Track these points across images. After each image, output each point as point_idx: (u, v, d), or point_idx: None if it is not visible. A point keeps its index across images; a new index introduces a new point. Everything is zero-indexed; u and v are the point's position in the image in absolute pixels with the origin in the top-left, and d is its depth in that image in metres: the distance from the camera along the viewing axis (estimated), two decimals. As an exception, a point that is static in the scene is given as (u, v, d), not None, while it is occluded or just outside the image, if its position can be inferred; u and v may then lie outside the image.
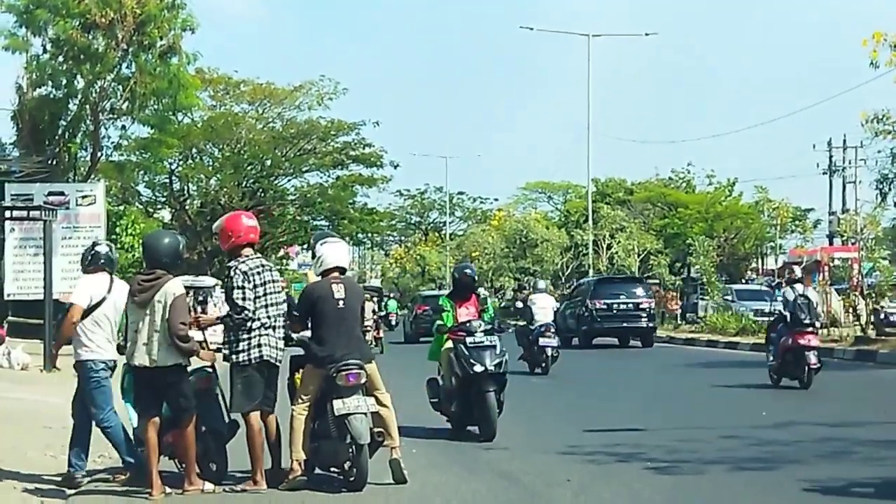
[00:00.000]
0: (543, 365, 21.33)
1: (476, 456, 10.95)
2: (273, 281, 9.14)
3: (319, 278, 9.38)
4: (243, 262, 9.06)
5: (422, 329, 34.93)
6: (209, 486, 8.91)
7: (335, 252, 9.36)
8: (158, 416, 8.80)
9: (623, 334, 32.36)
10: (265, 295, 9.00)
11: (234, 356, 8.96)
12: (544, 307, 22.43)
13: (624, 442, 11.42)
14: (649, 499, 8.76)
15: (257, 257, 9.22)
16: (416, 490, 9.11)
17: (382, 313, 42.07)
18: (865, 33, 22.67)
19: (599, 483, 9.31)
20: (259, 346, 8.94)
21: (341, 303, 9.11)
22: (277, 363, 9.13)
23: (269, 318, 9.00)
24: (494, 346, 12.16)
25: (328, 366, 8.97)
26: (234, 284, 8.93)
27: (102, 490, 9.21)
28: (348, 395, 8.89)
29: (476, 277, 13.23)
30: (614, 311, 31.38)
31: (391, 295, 65.62)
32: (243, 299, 8.89)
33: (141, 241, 9.00)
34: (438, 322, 12.52)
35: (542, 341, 21.28)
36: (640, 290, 32.34)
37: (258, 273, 9.01)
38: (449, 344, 12.33)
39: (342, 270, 9.40)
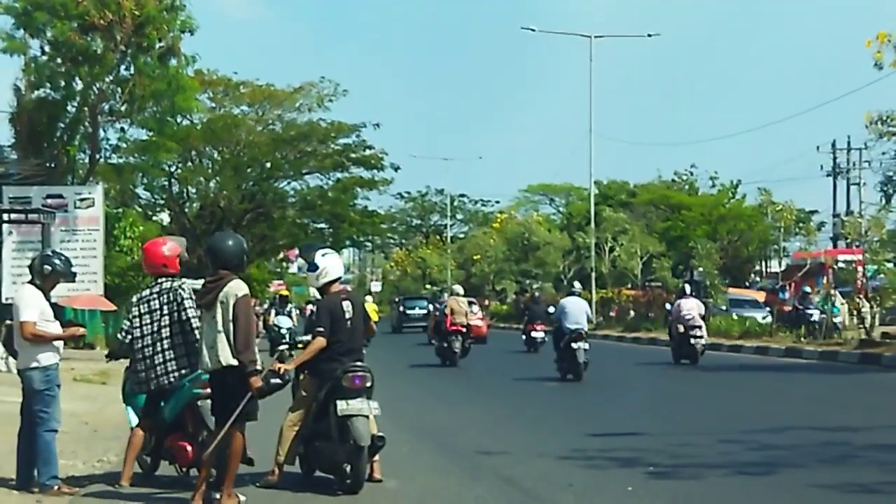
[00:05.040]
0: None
1: (478, 460, 10.86)
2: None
3: (314, 290, 9.71)
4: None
5: None
6: (243, 497, 8.52)
7: (336, 264, 9.68)
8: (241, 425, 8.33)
9: None
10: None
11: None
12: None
13: (625, 446, 11.35)
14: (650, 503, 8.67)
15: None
16: (416, 494, 9.07)
17: None
18: (869, 34, 22.51)
19: (601, 488, 9.23)
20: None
21: (349, 323, 9.35)
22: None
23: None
24: None
25: (326, 381, 9.17)
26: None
27: (101, 493, 9.06)
28: (353, 398, 9.04)
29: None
30: None
31: None
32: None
33: (206, 245, 8.94)
34: None
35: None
36: None
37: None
38: None
39: (340, 280, 9.72)
